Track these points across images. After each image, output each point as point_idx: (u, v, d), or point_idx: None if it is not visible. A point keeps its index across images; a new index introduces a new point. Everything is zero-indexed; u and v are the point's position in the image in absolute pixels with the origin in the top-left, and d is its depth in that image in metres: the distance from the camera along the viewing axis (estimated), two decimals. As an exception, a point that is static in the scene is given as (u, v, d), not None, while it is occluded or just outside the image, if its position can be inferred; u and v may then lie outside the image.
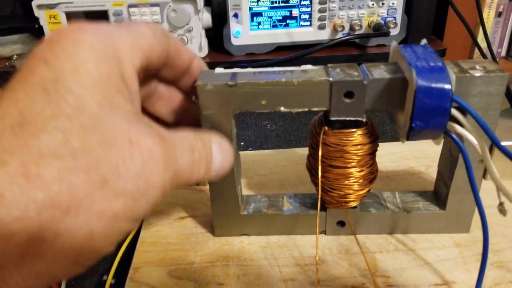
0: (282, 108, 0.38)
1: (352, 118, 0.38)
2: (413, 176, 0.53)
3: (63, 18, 0.80)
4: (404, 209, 0.43)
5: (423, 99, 0.34)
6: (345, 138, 0.39)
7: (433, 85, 0.34)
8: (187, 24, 0.80)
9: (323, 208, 0.44)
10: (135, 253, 0.44)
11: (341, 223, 0.44)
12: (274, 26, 0.83)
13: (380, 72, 0.37)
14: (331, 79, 0.37)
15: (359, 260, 0.41)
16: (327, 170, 0.41)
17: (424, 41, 0.39)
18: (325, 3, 0.80)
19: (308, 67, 0.40)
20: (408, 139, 0.36)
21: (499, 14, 0.96)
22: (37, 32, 0.82)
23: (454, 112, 0.35)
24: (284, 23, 0.82)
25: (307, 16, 0.82)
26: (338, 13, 0.81)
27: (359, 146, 0.39)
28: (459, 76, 0.36)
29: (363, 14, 0.81)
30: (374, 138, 0.40)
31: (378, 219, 0.44)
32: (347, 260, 0.42)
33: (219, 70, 0.40)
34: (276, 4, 0.81)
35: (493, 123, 0.37)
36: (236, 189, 0.43)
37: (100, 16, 0.80)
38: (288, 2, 0.81)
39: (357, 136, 0.39)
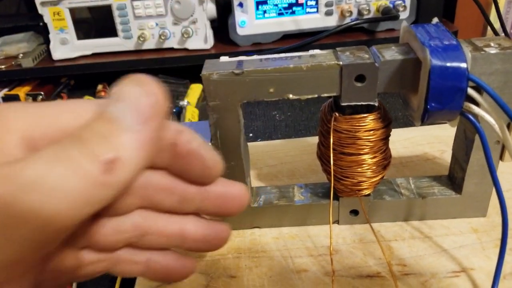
0: (291, 96, 0.37)
1: (364, 103, 0.37)
2: (428, 162, 0.52)
3: (67, 14, 0.79)
4: (419, 195, 0.42)
5: (438, 80, 0.32)
6: (357, 124, 0.38)
7: (449, 64, 0.32)
8: (192, 15, 0.79)
9: (336, 197, 0.43)
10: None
11: (355, 212, 0.43)
12: (280, 14, 0.81)
13: (391, 53, 0.36)
14: (341, 62, 0.36)
15: (374, 248, 0.40)
16: (339, 157, 0.39)
17: (435, 20, 0.37)
18: (331, -12, 0.78)
19: (317, 51, 0.39)
20: (423, 122, 0.35)
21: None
22: (42, 30, 0.82)
23: (470, 91, 0.33)
24: (290, 10, 0.81)
25: (313, 3, 0.80)
26: (345, -2, 0.79)
27: (371, 132, 0.38)
28: (474, 54, 0.34)
29: (370, -1, 0.79)
30: (387, 122, 0.38)
31: (393, 206, 0.43)
32: (362, 249, 0.40)
33: (224, 58, 0.39)
34: (281, -8, 0.79)
35: (510, 101, 0.36)
36: (245, 181, 0.42)
37: (104, 11, 0.79)
38: (293, -11, 0.79)
39: (370, 121, 0.38)
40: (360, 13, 0.81)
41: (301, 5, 0.80)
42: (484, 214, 0.42)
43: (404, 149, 0.54)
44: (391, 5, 0.80)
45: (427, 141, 0.55)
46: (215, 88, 0.37)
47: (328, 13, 0.80)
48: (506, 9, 0.95)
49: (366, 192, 0.41)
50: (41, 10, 0.78)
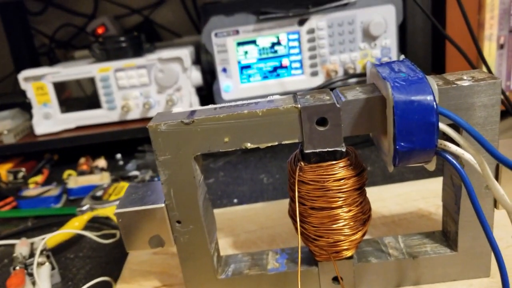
0: (248, 144, 0.34)
1: (329, 149, 0.33)
2: (422, 218, 0.46)
3: (50, 88, 0.79)
4: (409, 255, 0.36)
5: (404, 115, 0.29)
6: (324, 173, 0.33)
7: (413, 97, 0.28)
8: (176, 83, 0.78)
9: (314, 262, 0.37)
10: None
11: (337, 280, 0.37)
12: (265, 78, 0.80)
13: (354, 93, 0.33)
14: (299, 105, 0.32)
15: (360, 322, 0.34)
16: (310, 213, 0.34)
17: (402, 56, 0.34)
18: (315, 49, 0.77)
19: (276, 97, 0.35)
20: (395, 165, 0.30)
21: (501, 46, 0.91)
22: (27, 106, 0.81)
23: (445, 129, 0.29)
24: (275, 73, 0.80)
25: (298, 65, 0.79)
26: (329, 58, 0.78)
27: (342, 181, 0.33)
28: (444, 88, 0.31)
29: (355, 56, 0.78)
30: (360, 170, 0.34)
31: (381, 269, 0.37)
32: (346, 323, 0.34)
33: (177, 109, 0.36)
34: (265, 56, 0.78)
35: (494, 139, 0.31)
36: (208, 248, 0.37)
37: (88, 82, 0.79)
38: (277, 53, 0.78)
39: (339, 169, 0.33)
40: (346, 72, 0.79)
41: (286, 67, 0.79)
42: (487, 273, 0.36)
43: (396, 206, 0.49)
44: (377, 62, 0.78)
45: (422, 196, 0.50)
46: (164, 141, 0.33)
47: (314, 74, 0.79)
48: (498, 62, 0.93)
49: (347, 253, 0.36)
50: (24, 85, 0.78)
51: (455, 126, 0.30)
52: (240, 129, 0.33)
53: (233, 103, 0.35)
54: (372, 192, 0.36)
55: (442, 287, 0.36)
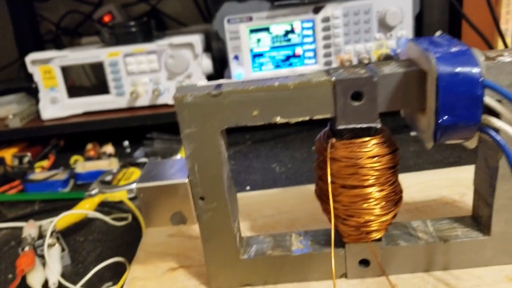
0: (278, 118, 0.32)
1: (363, 125, 0.32)
2: (447, 206, 0.45)
3: (58, 72, 0.77)
4: (440, 238, 0.35)
5: (448, 88, 0.27)
6: (357, 150, 0.32)
7: (459, 69, 0.27)
8: (186, 70, 0.77)
9: (341, 244, 0.36)
10: (113, 313, 0.36)
11: (365, 262, 0.36)
12: (277, 67, 0.79)
13: (391, 68, 0.31)
14: (333, 78, 0.31)
15: (390, 306, 0.33)
16: (340, 192, 0.33)
17: (439, 33, 0.33)
18: (329, 38, 0.76)
19: (307, 72, 0.34)
20: (436, 141, 0.29)
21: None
22: (34, 91, 0.80)
23: (488, 100, 0.28)
24: (288, 62, 0.78)
25: (311, 54, 0.78)
26: (344, 48, 0.77)
27: (375, 159, 0.32)
28: (486, 63, 0.30)
29: (370, 47, 0.77)
30: (393, 148, 0.33)
31: (410, 253, 0.35)
32: (375, 307, 0.33)
33: (202, 83, 0.34)
34: (278, 44, 0.77)
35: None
36: (231, 226, 0.35)
37: (97, 67, 0.77)
38: (290, 41, 0.77)
39: (372, 146, 0.32)
40: (360, 62, 0.78)
41: (299, 56, 0.78)
42: (521, 259, 0.35)
43: (419, 193, 0.48)
44: (392, 53, 0.77)
45: (445, 185, 0.49)
46: (190, 113, 0.32)
47: (327, 63, 0.78)
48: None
49: (376, 235, 0.34)
50: (31, 68, 0.76)
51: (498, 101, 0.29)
52: (270, 102, 0.32)
53: (263, 78, 0.34)
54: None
55: (473, 272, 0.35)
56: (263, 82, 0.32)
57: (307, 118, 0.32)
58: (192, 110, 0.32)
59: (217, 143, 0.33)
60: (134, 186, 0.58)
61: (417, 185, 0.49)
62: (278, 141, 0.79)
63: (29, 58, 0.76)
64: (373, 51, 0.77)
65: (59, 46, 1.08)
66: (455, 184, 0.49)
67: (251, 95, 0.31)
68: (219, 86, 0.33)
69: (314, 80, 0.31)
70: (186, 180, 0.34)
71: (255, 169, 0.69)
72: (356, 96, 0.31)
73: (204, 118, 0.32)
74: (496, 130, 0.28)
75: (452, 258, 0.35)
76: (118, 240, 0.52)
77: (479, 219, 0.36)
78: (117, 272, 0.45)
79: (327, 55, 0.77)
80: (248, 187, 0.62)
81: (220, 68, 0.80)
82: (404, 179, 0.50)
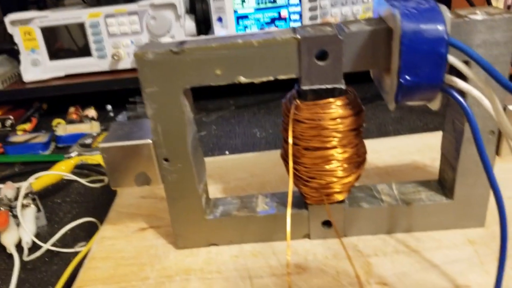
0: (242, 78, 0.32)
1: (328, 86, 0.31)
2: (417, 170, 0.45)
3: (38, 34, 0.75)
4: (403, 201, 0.35)
5: (412, 45, 0.27)
6: (320, 111, 0.32)
7: (422, 26, 0.26)
8: (168, 32, 0.75)
9: (304, 206, 0.36)
10: (80, 270, 0.37)
11: (328, 223, 0.36)
12: (262, 29, 0.77)
13: (359, 26, 0.30)
14: (299, 36, 0.30)
15: (349, 265, 0.33)
16: (303, 154, 0.33)
17: (411, -9, 0.32)
18: (315, 0, 0.74)
19: (274, 29, 0.33)
20: (397, 102, 0.29)
21: (508, 7, 0.88)
22: (16, 53, 0.78)
23: (455, 62, 0.27)
24: (273, 25, 0.77)
25: (297, 17, 0.76)
26: (330, 10, 0.75)
27: (338, 120, 0.31)
28: (456, 21, 0.29)
29: (358, 10, 0.75)
30: (358, 110, 0.32)
31: (372, 215, 0.36)
32: (335, 267, 0.33)
33: (166, 39, 0.33)
34: (263, 6, 0.75)
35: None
36: (196, 187, 0.35)
37: (79, 29, 0.76)
38: (275, 2, 0.75)
39: (336, 107, 0.31)
40: (346, 27, 0.76)
41: (284, 19, 0.76)
42: (481, 223, 0.35)
43: (390, 157, 0.48)
44: (378, 18, 0.75)
45: (417, 149, 0.49)
46: (151, 71, 0.31)
47: (313, 28, 0.76)
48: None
49: (339, 197, 0.34)
50: (11, 29, 0.75)
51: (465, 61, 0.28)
52: (234, 61, 0.31)
53: (227, 35, 0.33)
54: (366, 145, 0.34)
55: (435, 235, 0.35)
56: (227, 40, 0.31)
57: (271, 78, 0.31)
58: (153, 68, 0.31)
59: (180, 103, 0.32)
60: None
61: (390, 149, 0.49)
62: (261, 106, 0.78)
63: (9, 18, 0.74)
64: (360, 14, 0.76)
65: (43, 8, 1.06)
66: (427, 149, 0.49)
67: (214, 52, 0.31)
68: (182, 43, 0.32)
69: (279, 38, 0.30)
70: (150, 141, 0.34)
71: (236, 134, 0.68)
72: (321, 55, 0.30)
73: (166, 76, 0.31)
74: (460, 91, 0.28)
75: (415, 221, 0.35)
76: (94, 201, 0.53)
77: (444, 183, 0.36)
78: (91, 232, 0.45)
79: (313, 17, 0.76)
80: (227, 152, 0.62)
81: (205, 30, 0.78)
82: (378, 143, 0.50)
